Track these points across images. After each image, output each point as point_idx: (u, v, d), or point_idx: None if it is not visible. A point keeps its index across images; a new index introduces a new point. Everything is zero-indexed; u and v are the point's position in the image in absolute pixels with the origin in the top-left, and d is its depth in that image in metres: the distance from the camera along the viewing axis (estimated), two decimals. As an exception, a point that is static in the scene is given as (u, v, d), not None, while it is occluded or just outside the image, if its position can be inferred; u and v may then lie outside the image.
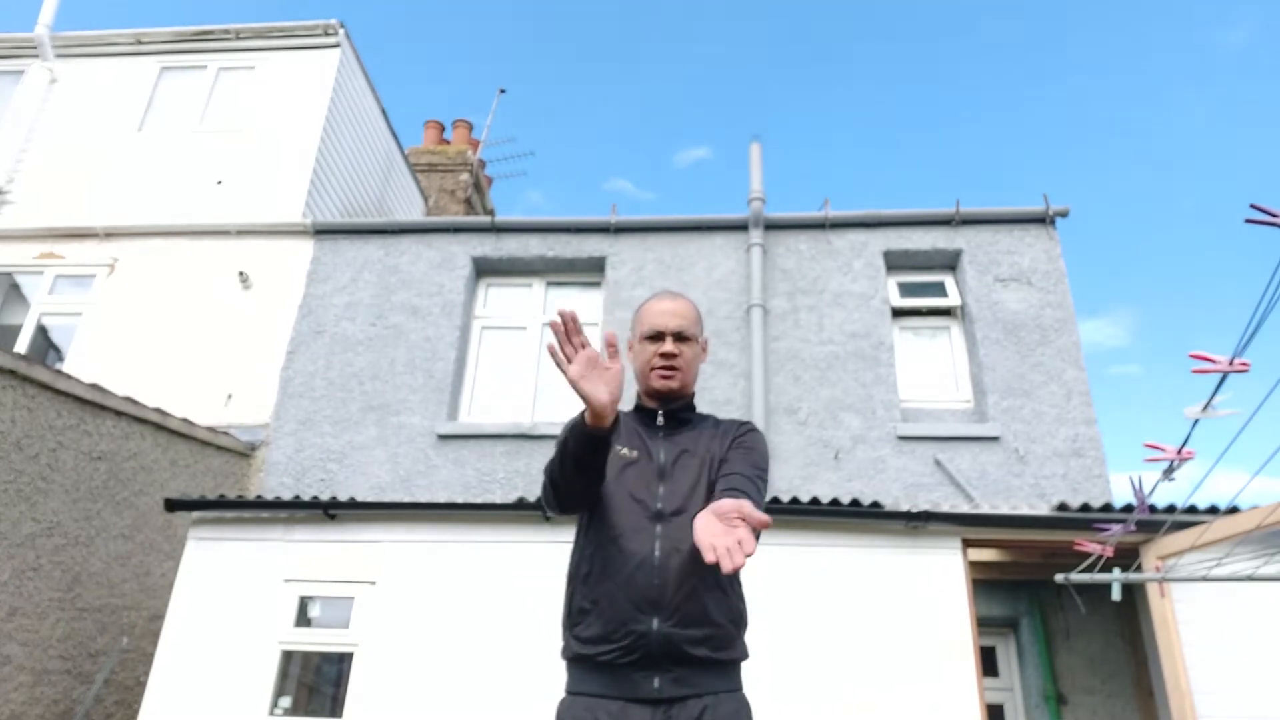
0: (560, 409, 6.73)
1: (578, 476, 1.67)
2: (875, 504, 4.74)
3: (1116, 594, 2.76)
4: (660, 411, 1.91)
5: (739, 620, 1.73)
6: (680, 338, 1.90)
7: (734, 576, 1.71)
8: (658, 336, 1.90)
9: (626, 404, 1.76)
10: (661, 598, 1.63)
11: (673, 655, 1.61)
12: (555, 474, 1.71)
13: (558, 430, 1.98)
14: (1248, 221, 1.34)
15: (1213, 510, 4.30)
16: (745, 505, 1.38)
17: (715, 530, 1.35)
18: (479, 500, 5.18)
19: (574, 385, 1.56)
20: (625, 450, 1.81)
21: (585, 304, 7.51)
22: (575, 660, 1.70)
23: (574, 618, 1.72)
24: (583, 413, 1.62)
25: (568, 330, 1.58)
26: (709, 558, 1.30)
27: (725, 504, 1.41)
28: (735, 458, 1.79)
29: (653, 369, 1.89)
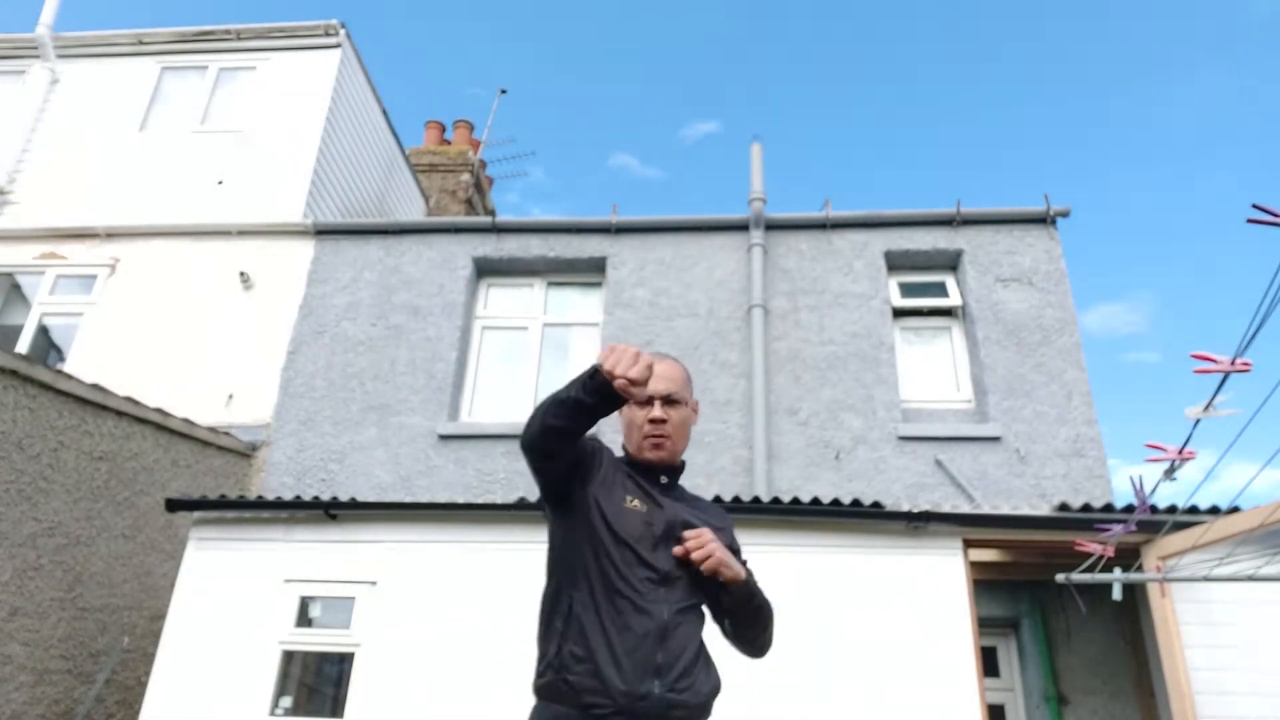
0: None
1: (581, 421, 1.67)
2: (876, 504, 4.74)
3: (1117, 594, 2.77)
4: (663, 474, 1.91)
5: (716, 690, 1.78)
6: (669, 401, 1.88)
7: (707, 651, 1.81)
8: (646, 401, 1.87)
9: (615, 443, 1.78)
10: (665, 663, 1.66)
11: (665, 718, 1.65)
12: (553, 413, 1.67)
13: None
14: (1249, 221, 1.34)
15: (1214, 510, 4.30)
16: (735, 564, 1.80)
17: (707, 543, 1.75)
18: (480, 500, 5.18)
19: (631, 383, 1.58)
20: (633, 501, 1.81)
21: (586, 304, 7.52)
22: (559, 700, 1.66)
23: (564, 659, 1.68)
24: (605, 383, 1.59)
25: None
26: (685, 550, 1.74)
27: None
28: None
29: (645, 437, 1.88)
